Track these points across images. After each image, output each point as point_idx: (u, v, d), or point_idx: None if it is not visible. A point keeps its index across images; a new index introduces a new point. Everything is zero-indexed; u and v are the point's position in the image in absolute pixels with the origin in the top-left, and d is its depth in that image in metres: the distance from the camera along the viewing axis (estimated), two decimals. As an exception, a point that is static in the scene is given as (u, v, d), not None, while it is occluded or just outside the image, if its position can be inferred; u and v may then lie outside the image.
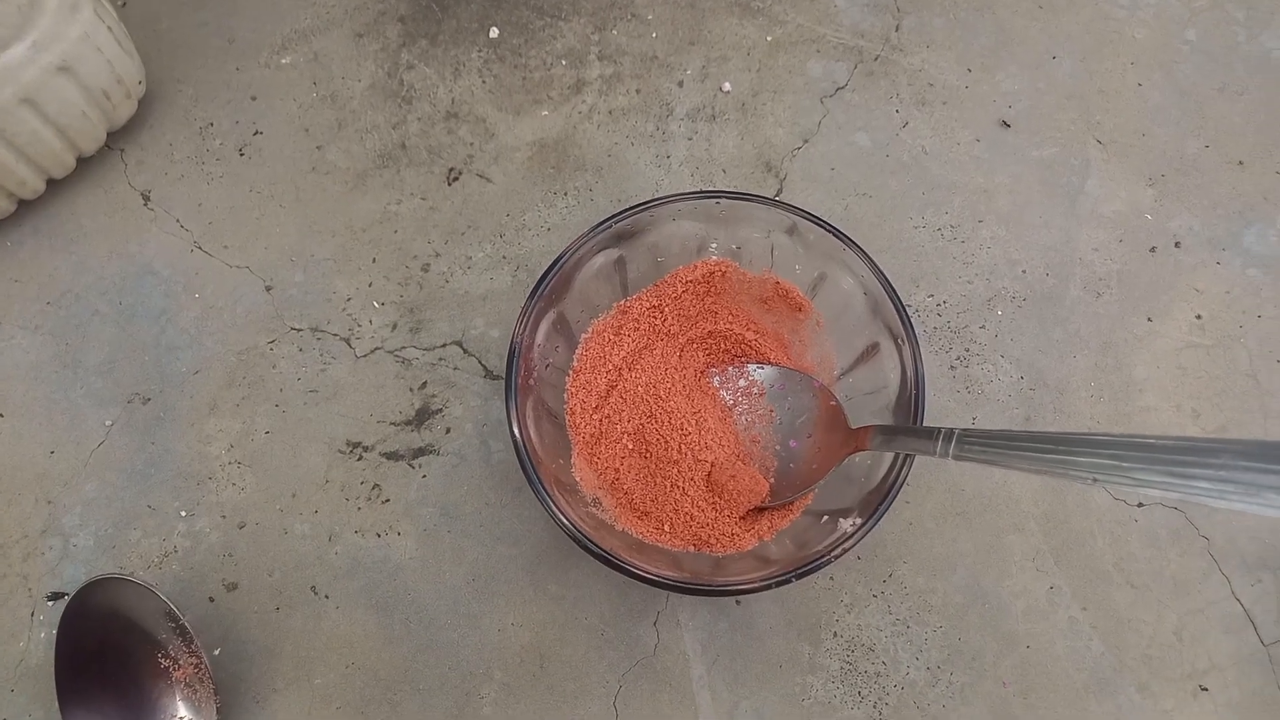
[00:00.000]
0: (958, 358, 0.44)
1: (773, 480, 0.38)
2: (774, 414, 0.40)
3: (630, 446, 0.40)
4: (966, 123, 0.48)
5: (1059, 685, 0.39)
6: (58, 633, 0.36)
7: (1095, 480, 0.24)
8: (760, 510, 0.38)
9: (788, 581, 0.33)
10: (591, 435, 0.40)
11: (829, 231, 0.37)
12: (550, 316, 0.39)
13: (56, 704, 0.37)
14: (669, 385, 0.40)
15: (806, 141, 0.48)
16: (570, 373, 0.41)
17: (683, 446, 0.39)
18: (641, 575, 0.33)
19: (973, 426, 0.29)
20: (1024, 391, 0.43)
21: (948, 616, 0.40)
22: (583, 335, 0.41)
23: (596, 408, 0.40)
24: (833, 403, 0.38)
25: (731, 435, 0.40)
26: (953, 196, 0.47)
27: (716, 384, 0.41)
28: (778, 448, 0.39)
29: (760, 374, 0.41)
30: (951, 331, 0.44)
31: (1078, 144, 0.48)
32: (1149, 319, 0.44)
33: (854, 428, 0.37)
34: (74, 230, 0.46)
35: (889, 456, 0.35)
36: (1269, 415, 0.43)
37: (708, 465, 0.39)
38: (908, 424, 0.35)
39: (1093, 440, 0.25)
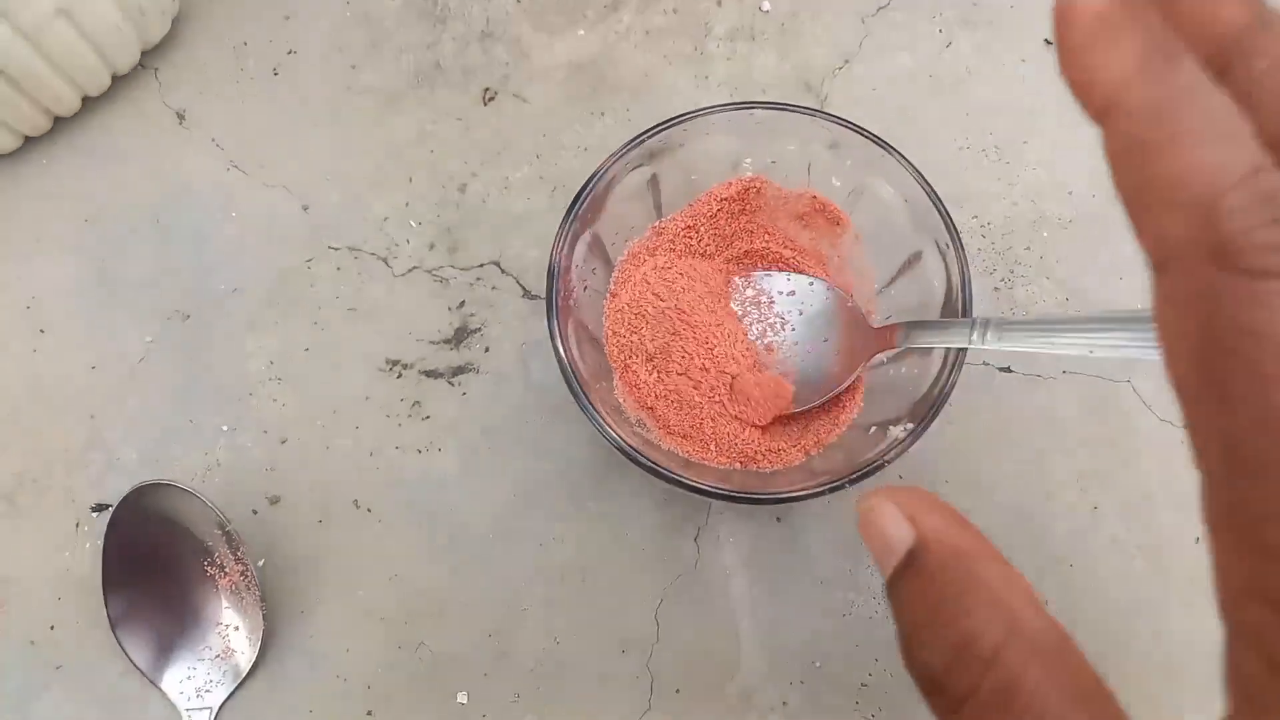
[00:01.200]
0: (1002, 279, 0.43)
1: (795, 388, 0.38)
2: (788, 321, 0.39)
3: (661, 366, 0.39)
4: (1012, 43, 0.47)
5: (1102, 605, 0.39)
6: (105, 538, 0.37)
7: (1122, 349, 0.25)
8: (794, 419, 0.38)
9: (841, 487, 0.32)
10: (628, 357, 0.40)
11: (868, 138, 0.37)
12: (586, 238, 0.39)
13: (105, 610, 0.37)
14: (692, 301, 0.40)
15: (847, 62, 0.47)
16: (607, 296, 0.40)
17: (706, 364, 0.38)
18: (693, 486, 0.33)
19: (1007, 317, 0.29)
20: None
21: (990, 535, 0.39)
22: (618, 259, 0.41)
23: (631, 330, 0.40)
24: (850, 304, 0.38)
25: (751, 346, 0.39)
26: (997, 118, 0.46)
27: (732, 295, 0.41)
28: (796, 355, 0.39)
29: (767, 282, 0.40)
30: (996, 253, 0.44)
31: (1125, 64, 0.47)
32: (1197, 240, 0.43)
33: (878, 326, 0.37)
34: (109, 149, 0.46)
35: (936, 363, 0.34)
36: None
37: (729, 378, 0.38)
38: (936, 319, 0.34)
39: (1127, 315, 0.25)
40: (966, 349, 0.32)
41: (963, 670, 0.16)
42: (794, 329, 0.39)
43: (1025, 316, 0.28)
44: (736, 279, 0.40)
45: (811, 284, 0.40)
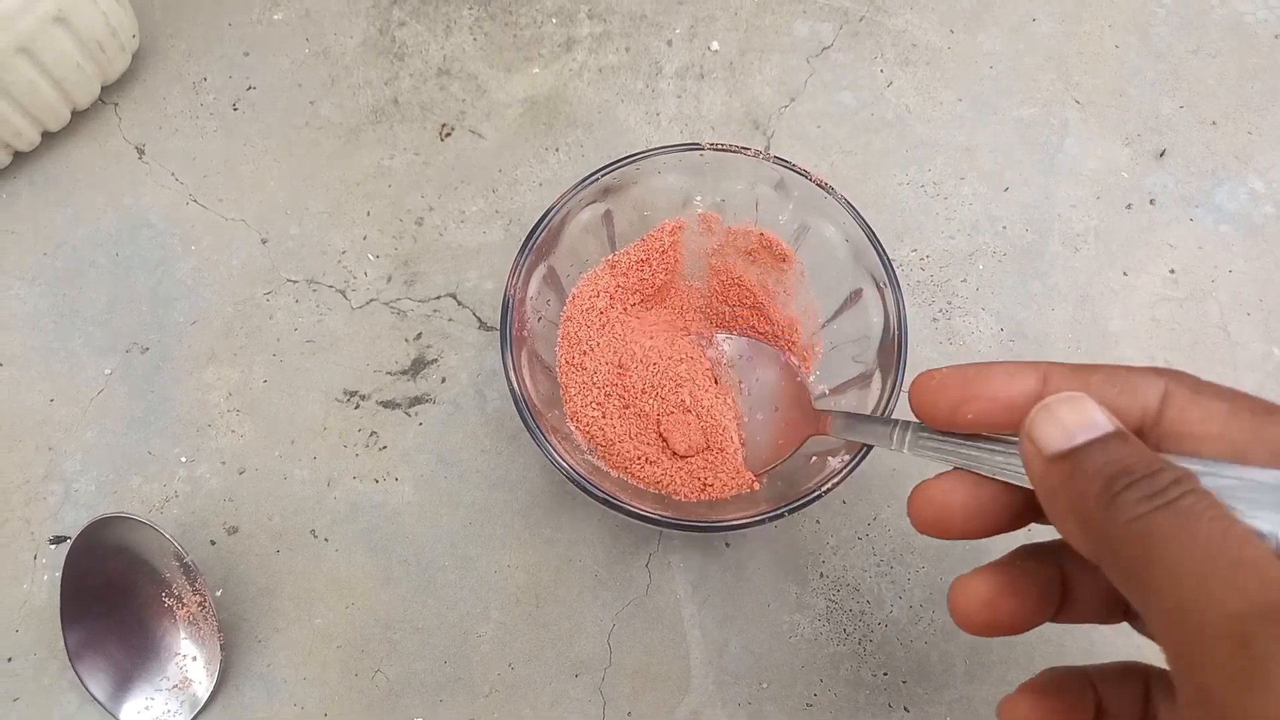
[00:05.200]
0: (940, 310, 0.45)
1: (744, 450, 0.39)
2: (742, 385, 0.41)
3: (610, 394, 0.41)
4: (949, 83, 0.49)
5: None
6: (63, 569, 0.37)
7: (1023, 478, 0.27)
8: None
9: (781, 516, 0.34)
10: (580, 385, 0.41)
11: (810, 180, 0.38)
12: (541, 270, 0.40)
13: (62, 643, 0.38)
14: (643, 331, 0.41)
15: (793, 100, 0.49)
16: (559, 326, 0.42)
17: (657, 390, 0.40)
18: (639, 514, 0.35)
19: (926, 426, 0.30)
20: (1004, 343, 0.44)
21: (929, 558, 0.41)
22: (572, 290, 0.42)
23: (582, 359, 0.41)
24: (798, 379, 0.40)
25: (708, 380, 0.41)
26: (935, 154, 0.48)
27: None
28: (745, 419, 0.40)
29: (729, 345, 0.42)
30: (934, 285, 0.45)
31: (1057, 104, 0.49)
32: (1124, 273, 0.46)
33: (817, 410, 0.38)
34: (69, 183, 0.46)
35: (874, 396, 0.36)
36: (1239, 367, 0.44)
37: (676, 404, 0.40)
38: (867, 414, 0.36)
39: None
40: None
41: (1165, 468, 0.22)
42: (748, 393, 0.41)
43: (935, 435, 0.30)
44: (697, 337, 0.42)
45: (768, 352, 0.41)
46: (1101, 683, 0.27)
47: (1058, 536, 0.28)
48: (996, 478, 0.28)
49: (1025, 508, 0.28)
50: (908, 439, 0.31)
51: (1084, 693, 0.27)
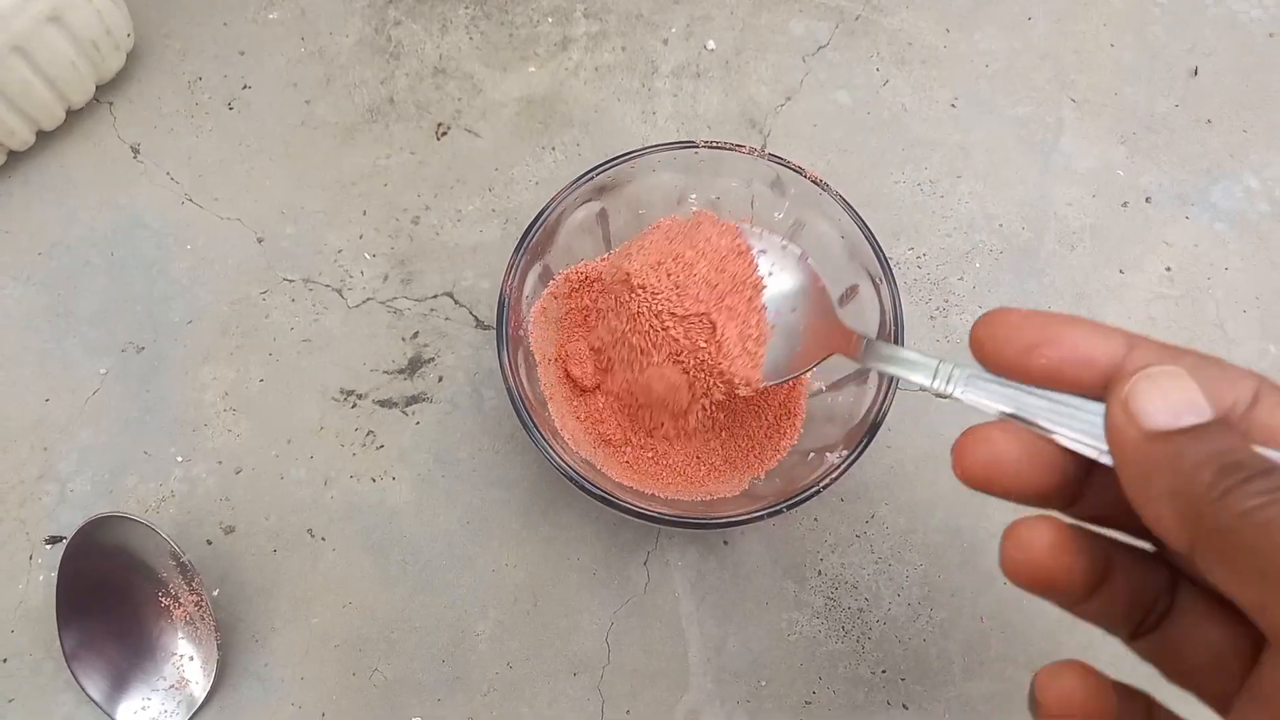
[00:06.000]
0: (937, 308, 0.45)
1: (765, 353, 0.36)
2: (759, 278, 0.37)
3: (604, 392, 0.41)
4: (945, 82, 0.49)
5: (1034, 620, 0.40)
6: (59, 569, 0.37)
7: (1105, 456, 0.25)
8: (755, 450, 0.40)
9: (779, 512, 0.34)
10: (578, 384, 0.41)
11: (805, 177, 0.38)
12: (537, 269, 0.40)
13: (58, 643, 0.37)
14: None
15: (789, 99, 0.49)
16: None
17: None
18: (637, 511, 0.35)
19: (973, 367, 0.27)
20: (1000, 340, 0.44)
21: (928, 555, 0.41)
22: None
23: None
24: (821, 284, 0.36)
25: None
26: (931, 153, 0.48)
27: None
28: (769, 318, 0.36)
29: (745, 236, 0.37)
30: (931, 283, 0.45)
31: (1052, 103, 0.49)
32: (1120, 271, 0.46)
33: (843, 326, 0.34)
34: (64, 182, 0.46)
35: (871, 390, 0.36)
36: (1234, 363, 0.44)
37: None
38: (901, 344, 0.33)
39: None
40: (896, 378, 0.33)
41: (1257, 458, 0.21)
42: (766, 288, 0.36)
43: (993, 377, 0.26)
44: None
45: (785, 247, 0.37)
46: (1118, 694, 0.26)
47: (1093, 523, 0.27)
48: (1056, 436, 0.25)
49: (1077, 477, 0.26)
50: (955, 376, 0.27)
51: (1110, 691, 0.26)
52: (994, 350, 0.26)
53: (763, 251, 0.37)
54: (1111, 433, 0.23)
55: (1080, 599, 0.26)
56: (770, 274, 0.37)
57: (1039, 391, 0.26)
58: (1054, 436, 0.25)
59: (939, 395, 0.28)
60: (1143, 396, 0.23)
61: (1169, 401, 0.22)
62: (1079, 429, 0.25)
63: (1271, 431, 0.23)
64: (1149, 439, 0.22)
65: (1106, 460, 0.24)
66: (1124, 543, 0.26)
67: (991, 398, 0.26)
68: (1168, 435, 0.22)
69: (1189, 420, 0.22)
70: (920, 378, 0.29)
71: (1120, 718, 0.26)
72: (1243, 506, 0.20)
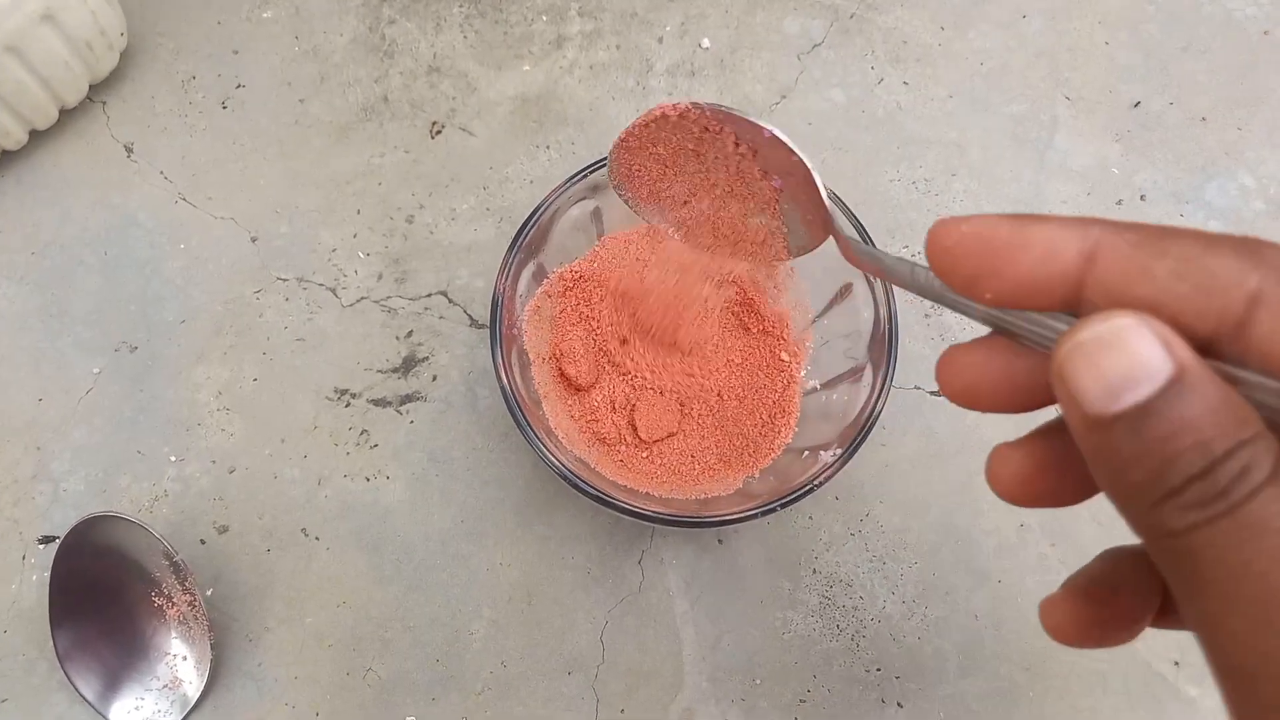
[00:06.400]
0: (932, 306, 0.45)
1: (783, 224, 0.34)
2: (744, 146, 0.33)
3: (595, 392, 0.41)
4: (939, 80, 0.49)
5: (1029, 618, 0.40)
6: (52, 569, 0.37)
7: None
8: (750, 449, 0.40)
9: (773, 510, 0.34)
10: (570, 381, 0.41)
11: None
12: (530, 268, 0.40)
13: (51, 644, 0.37)
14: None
15: (784, 97, 0.49)
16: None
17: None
18: (631, 510, 0.34)
19: None
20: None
21: (922, 554, 0.41)
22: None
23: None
24: (808, 164, 0.32)
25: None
26: (926, 151, 0.48)
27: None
28: (772, 184, 0.33)
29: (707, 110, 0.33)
30: (925, 281, 0.45)
31: (1047, 100, 0.49)
32: (1115, 268, 0.46)
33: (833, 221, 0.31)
34: (57, 181, 0.46)
35: (865, 390, 0.36)
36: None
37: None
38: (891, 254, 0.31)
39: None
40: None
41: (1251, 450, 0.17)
42: (754, 153, 0.32)
43: None
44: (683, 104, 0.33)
45: (769, 137, 0.32)
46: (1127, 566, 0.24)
47: None
48: (1036, 346, 0.22)
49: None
50: (936, 284, 0.24)
51: (1141, 585, 0.23)
52: (945, 272, 0.22)
53: (749, 136, 0.32)
54: (1065, 416, 0.20)
55: (1080, 499, 0.23)
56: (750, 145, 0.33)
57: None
58: (1034, 347, 0.22)
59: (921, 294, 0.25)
60: (1075, 374, 0.19)
61: (1104, 379, 0.18)
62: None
63: (1269, 347, 0.18)
64: (1088, 426, 0.19)
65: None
66: None
67: (964, 308, 0.23)
68: (1104, 423, 0.18)
69: (1128, 399, 0.18)
70: (902, 281, 0.25)
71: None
72: (1169, 526, 0.18)
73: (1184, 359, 0.18)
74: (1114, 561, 0.24)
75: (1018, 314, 0.22)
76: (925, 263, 0.23)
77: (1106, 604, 0.23)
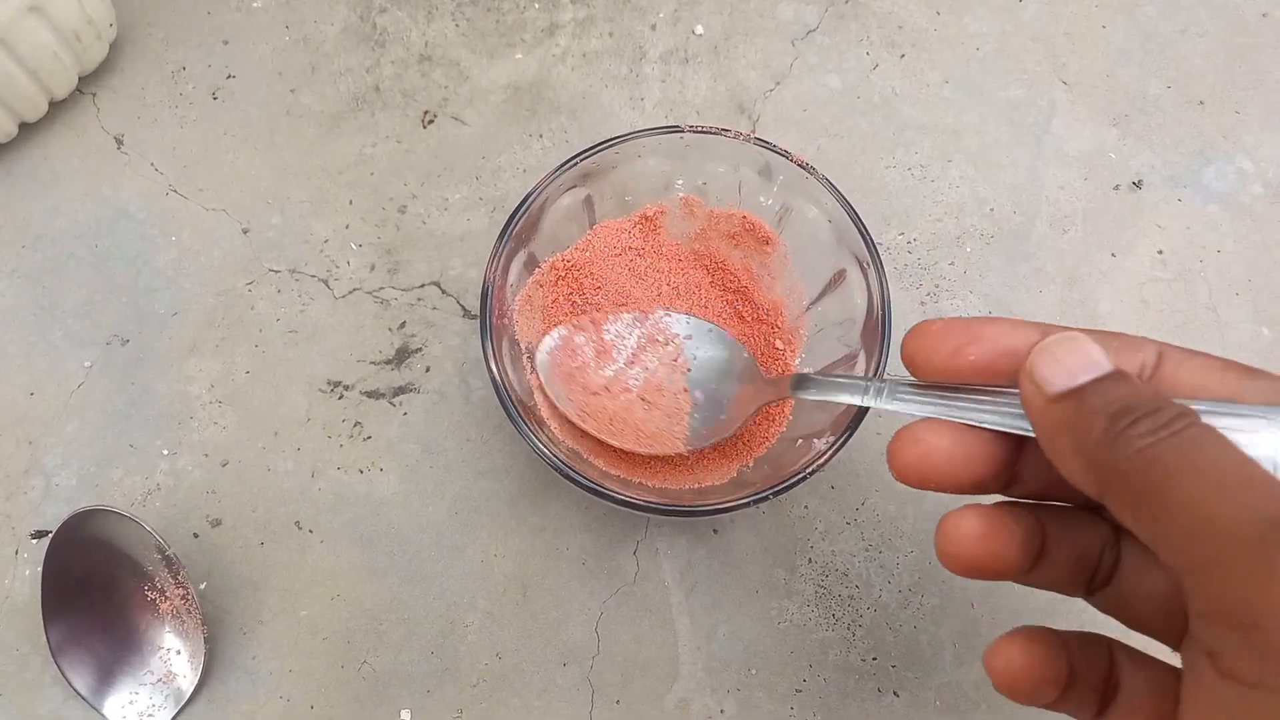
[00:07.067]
0: (928, 293, 0.45)
1: (686, 429, 0.39)
2: (682, 363, 0.40)
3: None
4: (935, 65, 0.49)
5: (1024, 605, 0.40)
6: (44, 564, 0.37)
7: (1025, 431, 0.26)
8: (744, 438, 0.39)
9: (766, 499, 0.34)
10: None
11: (791, 161, 0.38)
12: (521, 257, 0.39)
13: (44, 638, 0.37)
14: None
15: (778, 84, 0.49)
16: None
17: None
18: (625, 501, 0.34)
19: (902, 377, 0.30)
20: (992, 325, 0.44)
21: (918, 542, 0.41)
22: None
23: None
24: (745, 354, 0.39)
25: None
26: (922, 137, 0.47)
27: (612, 334, 0.40)
28: (691, 398, 0.39)
29: (667, 321, 0.40)
30: (922, 268, 0.45)
31: (1044, 85, 0.48)
32: (1113, 254, 0.45)
33: (771, 378, 0.37)
34: (47, 174, 0.46)
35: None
36: (1227, 346, 0.44)
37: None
38: (831, 372, 0.36)
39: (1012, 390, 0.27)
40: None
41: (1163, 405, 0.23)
42: (690, 371, 0.39)
43: (916, 381, 0.29)
44: (628, 315, 0.40)
45: (709, 330, 0.40)
46: (1072, 646, 0.28)
47: (1035, 499, 0.29)
48: (982, 425, 0.27)
49: (1007, 462, 0.28)
50: (884, 393, 0.30)
51: (1061, 650, 0.27)
52: (924, 360, 0.28)
53: (688, 337, 0.40)
54: (1025, 404, 0.26)
55: (1020, 574, 0.28)
56: (695, 357, 0.40)
57: (959, 394, 0.28)
58: (979, 425, 0.27)
59: (874, 408, 0.31)
60: (1042, 365, 0.25)
61: (1065, 365, 0.25)
62: (1002, 413, 0.27)
63: (1174, 380, 0.26)
64: (1051, 402, 0.25)
65: (1031, 434, 0.26)
66: (1061, 509, 0.28)
67: (913, 406, 0.29)
68: (1067, 394, 0.24)
69: (1085, 378, 0.24)
70: (850, 397, 0.31)
71: (1080, 666, 0.27)
72: (1131, 449, 0.22)
73: (1120, 367, 0.25)
74: (1009, 506, 0.28)
75: (969, 395, 0.28)
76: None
77: (1009, 533, 0.27)
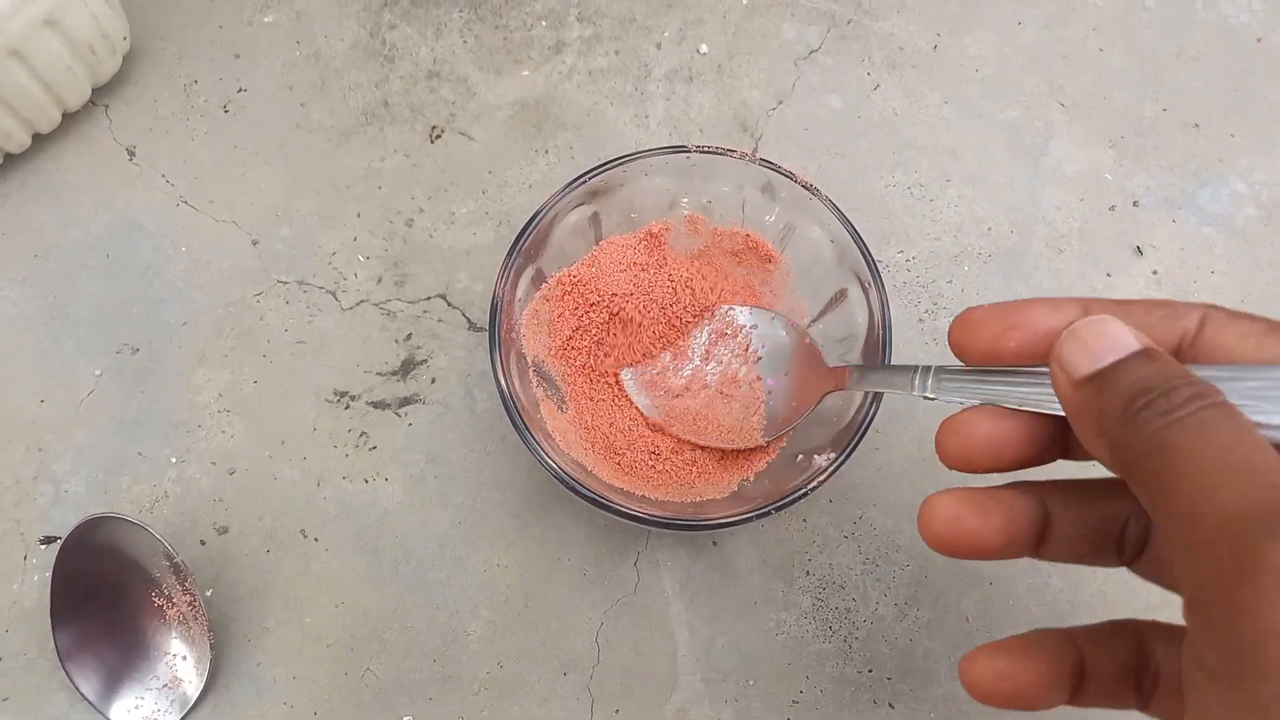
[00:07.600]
0: (926, 311, 0.45)
1: (763, 418, 0.40)
2: (753, 352, 0.41)
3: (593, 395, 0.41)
4: (935, 86, 0.50)
5: (1019, 620, 0.41)
6: (53, 570, 0.37)
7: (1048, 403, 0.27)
8: (745, 452, 0.40)
9: (768, 514, 0.34)
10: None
11: (795, 182, 0.39)
12: (529, 272, 0.40)
13: (52, 643, 0.38)
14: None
15: (781, 103, 0.49)
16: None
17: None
18: (627, 513, 0.35)
19: (950, 365, 0.30)
20: (989, 343, 0.45)
21: (915, 556, 0.42)
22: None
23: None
24: (808, 340, 0.40)
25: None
26: (921, 157, 0.48)
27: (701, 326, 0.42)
28: (764, 386, 0.41)
29: (734, 314, 0.42)
30: (920, 286, 0.46)
31: (1041, 107, 0.49)
32: (1108, 274, 0.46)
33: (830, 367, 0.38)
34: (60, 185, 0.46)
35: (859, 396, 0.36)
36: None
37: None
38: (882, 364, 0.36)
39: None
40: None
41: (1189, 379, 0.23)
42: (761, 359, 0.41)
43: (961, 373, 0.30)
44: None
45: (773, 319, 0.41)
46: (1085, 643, 0.28)
47: (1046, 475, 0.29)
48: (1024, 409, 0.28)
49: (1053, 439, 0.28)
50: (930, 382, 0.31)
51: (1058, 651, 0.27)
52: (969, 345, 0.29)
53: (753, 327, 0.41)
54: (1055, 388, 0.26)
55: (1009, 552, 0.28)
56: (764, 345, 0.41)
57: (1000, 378, 0.28)
58: (1022, 409, 0.28)
59: (925, 398, 0.31)
60: (1067, 350, 0.25)
61: (1091, 349, 0.25)
62: (1042, 394, 0.27)
63: (1214, 343, 0.26)
64: (1077, 385, 0.25)
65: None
66: (1073, 483, 0.29)
67: (960, 394, 0.29)
68: (1090, 377, 0.24)
69: (1110, 359, 0.24)
70: (901, 388, 0.32)
71: (1096, 661, 0.27)
72: (1145, 431, 0.22)
73: (1150, 343, 0.25)
74: (1004, 488, 0.29)
75: (1010, 378, 0.28)
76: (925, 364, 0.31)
77: (984, 512, 0.28)
